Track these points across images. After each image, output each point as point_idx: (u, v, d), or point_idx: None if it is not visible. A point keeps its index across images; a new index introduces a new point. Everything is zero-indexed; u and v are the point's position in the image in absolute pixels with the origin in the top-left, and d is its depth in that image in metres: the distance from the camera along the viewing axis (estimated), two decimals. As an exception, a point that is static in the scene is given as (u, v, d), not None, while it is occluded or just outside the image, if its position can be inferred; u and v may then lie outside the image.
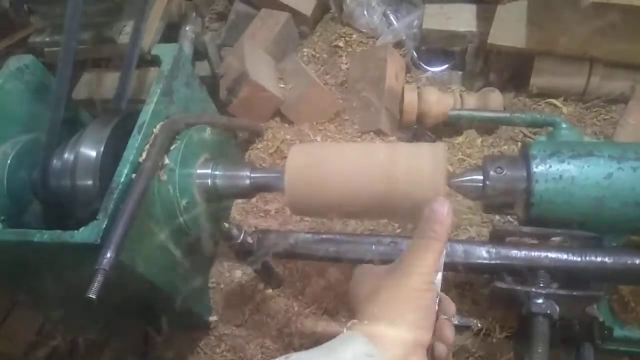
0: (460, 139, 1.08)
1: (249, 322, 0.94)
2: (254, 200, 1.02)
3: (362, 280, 0.55)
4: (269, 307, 0.94)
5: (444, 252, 0.52)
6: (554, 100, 1.09)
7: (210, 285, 0.97)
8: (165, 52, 0.85)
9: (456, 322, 0.85)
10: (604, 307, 0.74)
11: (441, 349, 0.50)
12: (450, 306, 0.52)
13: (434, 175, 0.63)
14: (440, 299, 0.51)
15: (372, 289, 0.51)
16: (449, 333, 0.51)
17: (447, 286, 0.89)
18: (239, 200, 1.04)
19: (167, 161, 0.74)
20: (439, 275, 0.51)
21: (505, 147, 1.05)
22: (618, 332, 0.72)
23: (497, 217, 0.93)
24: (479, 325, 0.86)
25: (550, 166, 0.62)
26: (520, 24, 1.04)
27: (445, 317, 0.52)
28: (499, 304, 0.63)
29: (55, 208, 0.85)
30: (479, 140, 1.07)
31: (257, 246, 0.73)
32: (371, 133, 1.11)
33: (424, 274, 0.48)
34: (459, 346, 0.88)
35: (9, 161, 0.83)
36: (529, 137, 1.05)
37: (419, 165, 0.64)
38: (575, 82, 1.06)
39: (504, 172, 0.64)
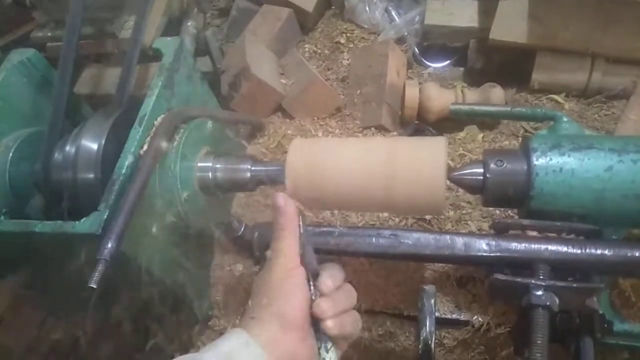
0: (461, 134, 1.08)
1: (250, 316, 0.95)
2: (255, 193, 1.02)
3: (255, 281, 0.60)
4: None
5: (304, 236, 0.59)
6: (555, 96, 1.09)
7: (211, 279, 0.97)
8: (167, 45, 0.85)
9: (454, 317, 0.86)
10: (604, 301, 0.74)
11: (327, 323, 0.55)
12: (327, 280, 0.57)
13: (434, 168, 0.63)
14: (319, 276, 0.57)
15: (253, 289, 0.58)
16: (323, 307, 0.55)
17: (447, 280, 0.89)
18: (240, 194, 1.04)
19: (168, 153, 0.75)
20: (309, 257, 0.58)
21: (507, 142, 1.05)
22: (618, 326, 0.73)
23: (497, 211, 0.93)
24: (480, 319, 0.86)
25: (551, 159, 0.62)
26: (521, 19, 1.04)
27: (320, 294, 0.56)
28: (498, 296, 0.63)
29: (57, 201, 0.85)
30: (480, 136, 1.07)
31: (257, 239, 0.73)
32: (372, 128, 1.11)
33: (281, 264, 0.56)
34: (459, 341, 0.89)
35: (11, 154, 0.84)
36: (530, 133, 1.05)
37: (419, 158, 0.64)
38: (576, 77, 1.06)
39: (505, 165, 0.64)
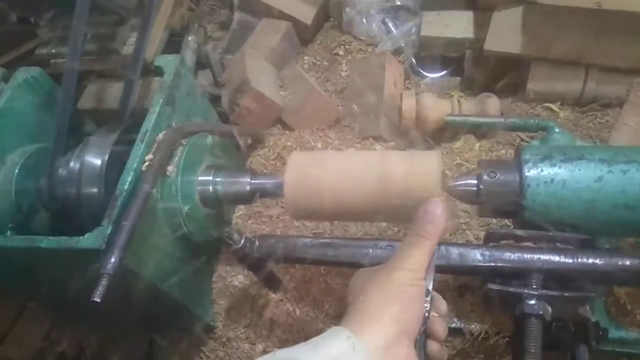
0: (458, 143, 1.10)
1: (252, 327, 0.96)
2: (255, 205, 1.04)
3: (358, 278, 0.58)
4: (272, 311, 0.95)
5: (436, 253, 0.55)
6: (550, 105, 1.10)
7: (213, 290, 0.99)
8: (167, 63, 0.88)
9: (453, 325, 0.87)
10: (599, 308, 0.75)
11: (433, 345, 0.52)
12: (442, 305, 0.55)
13: (428, 182, 0.65)
14: (432, 297, 0.53)
15: (363, 285, 0.54)
16: (440, 329, 0.53)
17: (446, 289, 0.90)
18: (241, 206, 1.06)
19: (169, 169, 0.77)
20: (431, 274, 0.54)
21: (503, 151, 1.07)
22: (614, 333, 0.74)
23: (494, 220, 0.94)
24: (478, 328, 0.87)
25: (542, 170, 0.63)
26: (515, 30, 1.06)
27: (437, 314, 0.53)
28: (492, 306, 0.64)
29: (62, 216, 0.87)
30: (476, 145, 1.08)
31: (257, 251, 0.74)
32: (371, 139, 1.13)
33: (410, 270, 0.52)
34: (458, 349, 0.90)
35: (16, 171, 0.85)
36: (526, 142, 1.06)
37: (413, 172, 0.66)
38: (571, 86, 1.07)
39: (497, 177, 0.66)
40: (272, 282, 0.85)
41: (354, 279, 0.58)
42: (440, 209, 0.56)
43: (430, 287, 0.55)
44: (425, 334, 0.53)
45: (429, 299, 0.53)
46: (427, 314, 0.53)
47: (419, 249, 0.54)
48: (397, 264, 0.53)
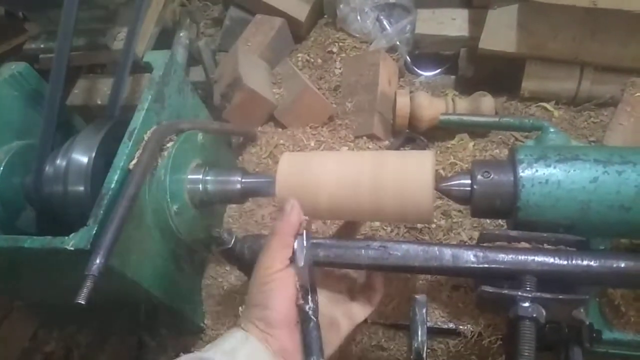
0: (452, 142, 1.09)
1: (242, 327, 0.95)
2: (246, 204, 1.02)
3: None
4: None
5: (303, 246, 0.61)
6: (545, 104, 1.10)
7: (203, 290, 0.97)
8: (157, 59, 0.86)
9: (447, 326, 0.86)
10: (593, 310, 0.75)
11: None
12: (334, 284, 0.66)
13: (420, 183, 0.64)
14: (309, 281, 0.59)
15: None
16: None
17: (440, 289, 0.90)
18: (232, 205, 1.05)
19: (157, 167, 0.75)
20: (299, 264, 0.60)
21: (497, 150, 1.06)
22: (608, 334, 0.73)
23: (488, 220, 0.94)
24: (472, 329, 0.86)
25: (537, 170, 0.62)
26: (510, 28, 1.05)
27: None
28: (486, 308, 0.63)
29: (49, 214, 0.85)
30: (471, 144, 1.08)
31: (248, 251, 0.73)
32: (364, 137, 1.12)
33: (263, 268, 0.58)
34: (452, 350, 0.89)
35: (2, 167, 0.84)
36: (521, 141, 1.05)
37: (406, 172, 0.65)
38: (566, 86, 1.07)
39: (491, 177, 0.65)
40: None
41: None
42: (289, 205, 0.62)
43: (306, 281, 0.59)
44: (312, 315, 0.58)
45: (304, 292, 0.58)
46: (301, 301, 0.58)
47: (269, 247, 0.60)
48: (254, 267, 0.60)
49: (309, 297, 0.59)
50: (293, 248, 0.61)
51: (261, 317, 0.57)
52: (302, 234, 0.62)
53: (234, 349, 0.54)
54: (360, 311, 0.70)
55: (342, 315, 0.68)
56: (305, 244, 0.61)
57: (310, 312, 0.58)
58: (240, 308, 0.92)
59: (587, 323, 0.63)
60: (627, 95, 0.97)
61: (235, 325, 0.59)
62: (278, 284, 0.58)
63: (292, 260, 0.61)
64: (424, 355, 0.73)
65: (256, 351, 0.55)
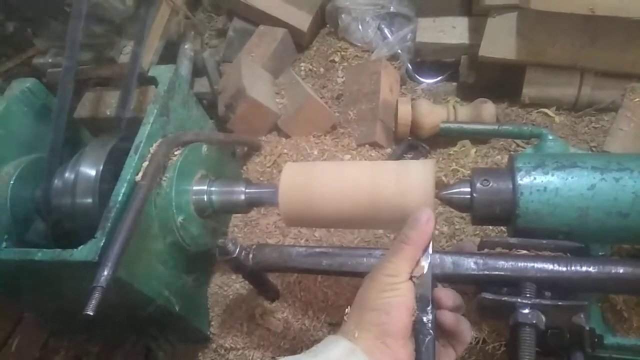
0: (454, 149, 1.10)
1: (249, 335, 0.96)
2: (251, 214, 1.04)
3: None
4: (268, 319, 0.95)
5: (428, 257, 0.58)
6: (546, 110, 1.10)
7: (209, 299, 0.99)
8: (162, 73, 0.88)
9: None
10: (595, 315, 0.75)
11: (446, 314, 0.58)
12: (448, 300, 0.59)
13: (421, 192, 0.65)
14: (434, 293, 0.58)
15: (357, 294, 0.58)
16: (443, 297, 0.59)
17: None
18: (237, 214, 1.06)
19: (163, 179, 0.77)
20: (424, 274, 0.58)
21: (499, 156, 1.07)
22: (610, 339, 0.73)
23: (490, 226, 0.94)
24: (476, 335, 0.86)
25: (535, 178, 0.63)
26: (510, 36, 1.06)
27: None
28: (487, 314, 0.64)
29: (58, 226, 0.87)
30: (472, 151, 1.08)
31: (252, 260, 0.75)
32: (367, 145, 1.13)
33: (386, 275, 0.56)
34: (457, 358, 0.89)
35: (12, 181, 0.86)
36: (522, 147, 1.06)
37: (406, 182, 0.66)
38: (566, 92, 1.07)
39: (490, 185, 0.66)
40: (268, 291, 0.85)
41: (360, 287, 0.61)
42: (426, 216, 0.59)
43: (421, 288, 0.57)
44: (430, 328, 0.56)
45: (415, 296, 0.56)
46: (416, 313, 0.56)
47: (397, 255, 0.57)
48: (375, 271, 0.57)
49: (429, 308, 0.57)
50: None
51: (379, 323, 0.54)
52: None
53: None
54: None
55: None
56: (429, 253, 0.59)
57: (429, 325, 0.56)
58: (245, 321, 0.95)
59: (587, 328, 0.63)
60: (627, 101, 0.98)
61: (340, 331, 0.56)
62: (401, 293, 0.55)
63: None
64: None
65: None
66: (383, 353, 0.52)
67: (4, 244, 0.82)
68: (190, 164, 0.82)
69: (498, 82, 1.16)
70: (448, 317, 0.58)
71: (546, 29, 1.03)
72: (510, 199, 0.64)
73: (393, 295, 0.55)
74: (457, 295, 0.61)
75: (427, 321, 0.56)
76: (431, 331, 0.56)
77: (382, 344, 0.53)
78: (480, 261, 0.63)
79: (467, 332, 0.61)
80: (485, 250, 0.65)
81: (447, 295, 0.59)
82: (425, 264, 0.59)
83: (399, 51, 1.27)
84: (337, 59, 1.31)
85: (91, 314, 0.57)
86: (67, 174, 0.84)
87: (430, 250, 0.60)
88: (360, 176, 0.69)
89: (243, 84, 1.13)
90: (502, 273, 0.62)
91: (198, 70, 1.40)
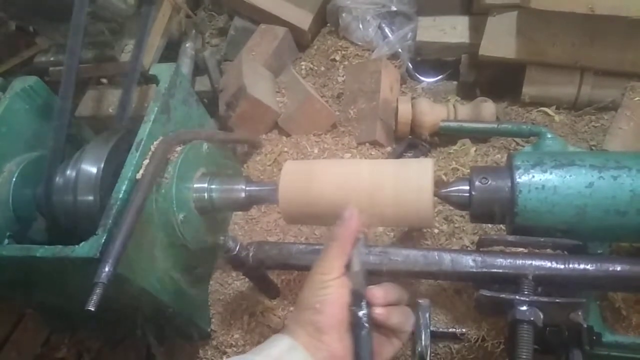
0: (454, 147, 1.10)
1: (249, 332, 0.96)
2: (251, 211, 1.04)
3: None
4: (268, 317, 0.95)
5: (359, 250, 0.61)
6: (546, 109, 1.11)
7: (210, 296, 0.99)
8: (163, 71, 0.88)
9: (450, 330, 0.87)
10: (593, 312, 0.75)
11: (377, 310, 0.59)
12: (376, 297, 0.60)
13: (419, 190, 0.66)
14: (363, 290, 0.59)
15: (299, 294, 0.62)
16: (374, 295, 0.59)
17: (442, 293, 0.90)
18: (237, 212, 1.06)
19: (164, 176, 0.77)
20: (355, 270, 0.60)
21: (499, 155, 1.07)
22: (608, 337, 0.73)
23: (489, 225, 0.94)
24: (475, 333, 0.87)
25: (533, 176, 0.64)
26: (510, 35, 1.06)
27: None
28: (485, 311, 0.64)
29: (59, 223, 0.88)
30: (472, 149, 1.08)
31: (252, 258, 0.75)
32: (367, 144, 1.13)
33: (319, 274, 0.59)
34: (455, 354, 0.90)
35: (14, 179, 0.86)
36: (521, 146, 1.06)
37: (405, 180, 0.67)
38: (566, 90, 1.08)
39: (489, 183, 0.66)
40: (268, 289, 0.85)
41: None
42: (349, 213, 0.62)
43: (355, 283, 0.59)
44: (365, 321, 0.57)
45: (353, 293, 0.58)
46: (354, 307, 0.58)
47: (327, 253, 0.60)
48: (311, 270, 0.61)
49: (363, 302, 0.58)
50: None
51: (312, 321, 0.56)
52: (357, 239, 0.63)
53: (280, 356, 0.54)
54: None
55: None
56: (360, 249, 0.62)
57: (364, 319, 0.58)
58: (245, 319, 0.95)
59: (585, 326, 0.64)
60: (626, 100, 0.98)
61: (283, 329, 0.59)
62: (334, 290, 0.58)
63: (347, 266, 0.61)
64: (428, 359, 0.74)
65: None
66: (318, 349, 0.55)
67: (6, 241, 0.83)
68: (190, 162, 0.82)
69: (498, 81, 1.16)
70: (378, 314, 0.59)
71: (546, 28, 1.03)
72: (508, 197, 0.65)
73: (325, 294, 0.57)
74: (392, 290, 0.62)
75: (363, 315, 0.58)
76: (366, 324, 0.57)
77: (318, 340, 0.56)
78: (479, 259, 0.64)
79: (406, 321, 0.63)
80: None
81: (374, 294, 0.60)
82: (356, 259, 0.61)
83: (400, 50, 1.27)
84: (337, 58, 1.31)
85: (92, 309, 0.58)
86: (68, 172, 0.85)
87: (361, 246, 0.62)
88: (360, 174, 0.70)
89: (244, 82, 1.13)
90: (501, 270, 0.62)
91: (199, 69, 1.41)
